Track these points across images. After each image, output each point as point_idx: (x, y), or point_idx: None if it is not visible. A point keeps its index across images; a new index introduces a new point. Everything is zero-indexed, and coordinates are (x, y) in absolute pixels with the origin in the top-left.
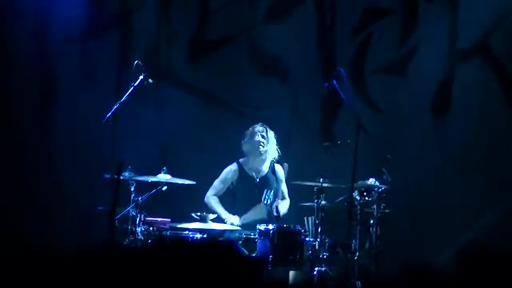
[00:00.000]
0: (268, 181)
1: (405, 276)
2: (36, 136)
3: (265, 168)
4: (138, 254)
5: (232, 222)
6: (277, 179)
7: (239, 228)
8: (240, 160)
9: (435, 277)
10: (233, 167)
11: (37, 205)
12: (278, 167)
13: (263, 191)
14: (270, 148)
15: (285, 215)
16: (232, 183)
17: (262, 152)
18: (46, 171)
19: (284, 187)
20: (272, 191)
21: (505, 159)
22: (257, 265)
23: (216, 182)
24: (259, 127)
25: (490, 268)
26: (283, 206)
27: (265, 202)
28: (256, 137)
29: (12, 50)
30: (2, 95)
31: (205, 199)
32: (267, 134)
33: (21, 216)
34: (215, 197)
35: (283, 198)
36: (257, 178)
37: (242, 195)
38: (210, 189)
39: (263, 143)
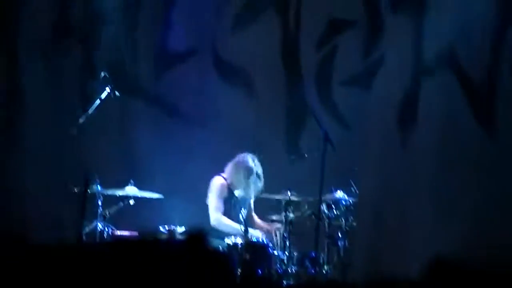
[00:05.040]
0: (245, 199)
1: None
2: (1, 148)
3: None
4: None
5: (257, 236)
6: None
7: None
8: (225, 175)
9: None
10: (223, 181)
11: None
12: None
13: (240, 209)
14: None
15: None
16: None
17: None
18: (11, 184)
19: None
20: (245, 209)
21: (471, 170)
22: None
23: (215, 201)
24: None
25: (457, 280)
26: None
27: (242, 219)
28: (260, 182)
29: None
30: None
31: (213, 223)
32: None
33: None
34: (224, 217)
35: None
36: (237, 196)
37: (223, 212)
38: (212, 211)
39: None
